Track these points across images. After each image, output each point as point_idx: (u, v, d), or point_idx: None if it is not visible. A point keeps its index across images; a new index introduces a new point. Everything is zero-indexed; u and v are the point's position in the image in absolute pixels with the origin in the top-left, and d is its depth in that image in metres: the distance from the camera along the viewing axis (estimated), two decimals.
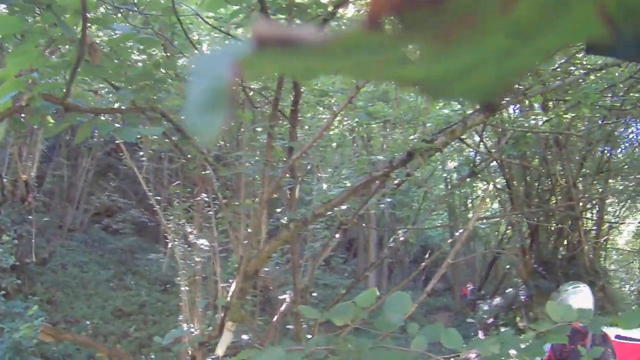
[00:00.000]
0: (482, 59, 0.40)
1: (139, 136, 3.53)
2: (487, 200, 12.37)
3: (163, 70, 4.36)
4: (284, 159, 5.04)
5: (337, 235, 6.51)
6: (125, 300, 13.68)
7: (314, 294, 11.18)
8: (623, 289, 18.76)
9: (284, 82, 4.63)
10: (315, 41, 0.37)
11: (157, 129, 4.04)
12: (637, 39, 0.46)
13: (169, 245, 7.86)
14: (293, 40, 0.37)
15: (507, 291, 18.27)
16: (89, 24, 3.12)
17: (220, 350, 4.54)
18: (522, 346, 2.75)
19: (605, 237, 15.81)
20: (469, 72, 0.41)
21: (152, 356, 10.60)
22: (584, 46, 0.65)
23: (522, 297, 14.41)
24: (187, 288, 7.29)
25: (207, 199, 6.93)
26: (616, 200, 17.16)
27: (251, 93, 6.72)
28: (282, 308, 6.20)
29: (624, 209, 17.32)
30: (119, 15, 4.73)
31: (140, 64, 4.71)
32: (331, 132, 10.29)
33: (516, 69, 0.43)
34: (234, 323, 4.56)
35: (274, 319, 6.07)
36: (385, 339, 2.76)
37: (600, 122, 11.03)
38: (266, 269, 8.01)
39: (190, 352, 5.96)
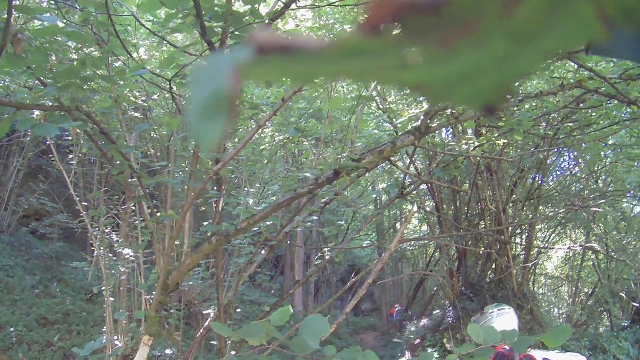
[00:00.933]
0: (483, 63, 0.41)
1: (59, 132, 3.39)
2: (411, 220, 12.45)
3: (93, 70, 4.25)
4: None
5: (263, 252, 6.46)
6: (50, 308, 13.34)
7: (238, 310, 11.13)
8: (552, 312, 19.01)
9: None
10: (315, 47, 0.37)
11: (77, 123, 3.91)
12: (637, 39, 0.50)
13: (95, 253, 7.70)
14: (293, 47, 0.37)
15: (434, 313, 18.44)
16: (15, 12, 3.02)
17: None
18: None
19: (534, 262, 16.02)
20: (469, 76, 0.41)
21: None
22: (584, 47, 0.66)
23: (450, 319, 14.51)
24: (111, 299, 7.15)
25: (134, 208, 6.82)
26: (546, 227, 17.42)
27: (183, 102, 6.64)
28: (207, 324, 6.09)
29: (553, 235, 17.55)
30: (58, 11, 4.64)
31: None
32: (262, 148, 10.32)
33: (516, 72, 0.42)
34: (151, 337, 4.45)
35: (198, 335, 5.95)
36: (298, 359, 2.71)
37: (532, 150, 11.17)
38: (191, 283, 7.90)
39: None
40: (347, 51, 0.38)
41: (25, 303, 13.30)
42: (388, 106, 7.54)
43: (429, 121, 5.22)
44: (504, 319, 5.15)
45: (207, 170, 4.29)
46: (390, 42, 0.37)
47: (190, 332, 10.75)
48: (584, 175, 15.29)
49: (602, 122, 8.64)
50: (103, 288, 7.18)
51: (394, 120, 7.01)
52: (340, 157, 5.07)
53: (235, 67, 0.38)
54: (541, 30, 0.38)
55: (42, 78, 4.10)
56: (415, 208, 7.06)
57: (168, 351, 9.77)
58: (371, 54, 0.38)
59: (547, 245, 15.98)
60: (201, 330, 5.95)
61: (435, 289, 20.62)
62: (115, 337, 6.91)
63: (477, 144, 7.26)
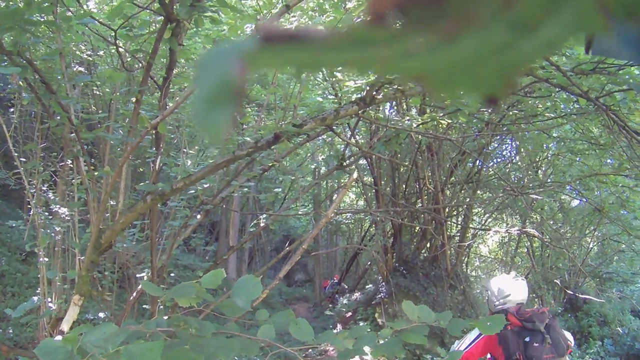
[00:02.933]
0: (484, 52, 0.40)
1: None
2: (350, 187, 12.48)
3: (39, 15, 4.15)
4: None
5: (199, 216, 6.39)
6: None
7: (172, 274, 11.06)
8: (484, 295, 19.31)
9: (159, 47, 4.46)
10: (321, 36, 0.38)
11: (17, 68, 3.81)
12: (637, 39, 0.49)
13: (31, 211, 7.54)
14: (298, 36, 0.38)
15: (367, 287, 18.57)
16: None
17: (65, 326, 4.34)
18: (380, 342, 2.69)
19: (469, 242, 16.20)
20: (471, 65, 0.41)
21: (10, 330, 10.21)
22: (585, 45, 0.68)
23: (382, 294, 14.62)
24: (45, 259, 7.02)
25: (72, 166, 6.68)
26: (482, 211, 17.62)
27: (128, 58, 6.54)
28: (139, 287, 6.00)
29: (489, 220, 17.76)
30: None
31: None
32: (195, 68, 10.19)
33: (518, 62, 0.42)
34: (81, 297, 4.36)
35: (131, 298, 5.87)
36: (230, 324, 2.66)
37: (475, 134, 11.23)
38: (125, 245, 7.80)
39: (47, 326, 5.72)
40: (351, 40, 0.38)
41: None
42: (334, 78, 7.49)
43: (374, 92, 5.19)
44: (518, 285, 5.32)
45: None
46: (393, 31, 0.38)
47: (124, 295, 10.64)
48: (524, 165, 15.46)
49: (547, 114, 8.71)
50: (36, 247, 7.04)
51: (339, 91, 6.97)
52: (281, 122, 5.02)
53: (242, 56, 0.38)
54: (542, 21, 0.39)
55: None
56: (355, 175, 7.05)
57: (101, 314, 9.68)
58: (375, 43, 0.39)
59: (483, 228, 16.14)
60: (134, 294, 5.87)
61: (369, 263, 20.75)
62: (49, 299, 6.80)
63: (420, 121, 7.27)
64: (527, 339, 4.80)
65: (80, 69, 7.61)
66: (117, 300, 9.23)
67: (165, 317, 2.57)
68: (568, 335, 5.18)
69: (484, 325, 2.70)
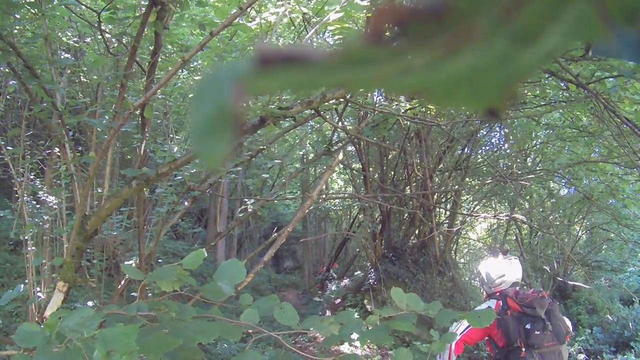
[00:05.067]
0: (484, 66, 0.40)
1: None
2: (336, 168, 12.52)
3: None
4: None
5: (186, 203, 6.36)
6: None
7: (160, 261, 11.03)
8: (473, 281, 19.34)
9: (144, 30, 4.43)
10: (319, 57, 0.37)
11: None
12: (637, 39, 0.49)
13: (19, 201, 7.50)
14: (296, 57, 0.37)
15: (356, 273, 18.64)
16: None
17: (49, 312, 4.31)
18: (367, 329, 2.67)
19: (458, 228, 16.27)
20: (471, 78, 0.41)
21: (0, 321, 10.17)
22: (586, 46, 0.63)
23: (371, 281, 14.63)
24: (33, 248, 6.98)
25: (59, 154, 6.64)
26: (471, 198, 17.68)
27: (115, 44, 6.49)
28: (127, 275, 5.98)
29: (478, 207, 17.82)
30: None
31: None
32: (191, 95, 10.20)
33: (518, 73, 0.41)
34: (65, 283, 4.33)
35: (119, 286, 5.85)
36: (213, 308, 2.64)
37: (464, 120, 11.23)
38: (115, 234, 7.77)
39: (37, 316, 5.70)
40: (351, 60, 0.38)
41: None
42: None
43: None
44: (512, 265, 5.37)
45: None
46: (393, 49, 0.38)
47: (113, 283, 10.63)
48: (513, 152, 15.50)
49: (535, 102, 8.71)
50: (23, 235, 6.99)
51: None
52: (268, 105, 4.99)
53: (238, 80, 0.38)
54: (542, 31, 0.38)
55: None
56: (341, 156, 7.05)
57: (90, 303, 9.66)
58: (374, 61, 0.38)
59: (471, 215, 16.19)
60: (122, 282, 5.84)
61: (358, 250, 20.82)
62: (37, 288, 6.76)
63: (409, 106, 7.25)
64: (527, 326, 4.81)
65: (67, 55, 7.56)
66: (106, 289, 9.20)
67: (141, 301, 2.54)
68: (567, 322, 5.19)
69: (474, 318, 2.69)
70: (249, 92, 0.38)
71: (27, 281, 6.88)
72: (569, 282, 14.19)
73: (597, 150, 12.51)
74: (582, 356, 13.91)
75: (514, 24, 0.37)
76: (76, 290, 8.65)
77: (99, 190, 6.47)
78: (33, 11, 4.90)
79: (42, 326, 2.15)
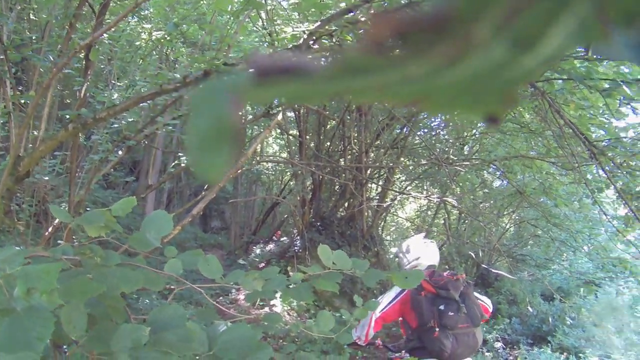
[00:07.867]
0: (484, 72, 0.40)
1: None
2: (272, 130, 12.53)
3: None
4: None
5: (120, 152, 6.30)
6: None
7: (88, 209, 10.92)
8: (396, 259, 19.53)
9: None
10: (317, 67, 0.37)
11: None
12: (637, 40, 0.44)
13: None
14: (293, 68, 0.37)
15: (282, 239, 18.65)
16: None
17: None
18: (290, 286, 2.69)
19: (388, 204, 16.39)
20: (471, 86, 0.41)
21: None
22: (585, 47, 0.66)
23: (296, 248, 14.72)
24: None
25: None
26: (404, 178, 17.80)
27: None
28: (56, 221, 5.90)
29: (410, 188, 17.94)
30: None
31: None
32: (137, 44, 10.10)
33: (518, 79, 0.41)
34: None
35: (47, 233, 5.78)
36: (138, 257, 2.63)
37: None
38: (46, 178, 7.68)
39: None
40: (349, 70, 0.38)
41: None
42: (273, 27, 7.43)
43: (311, 42, 5.14)
44: (429, 248, 5.43)
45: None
46: (392, 58, 0.37)
47: (40, 230, 10.50)
48: (450, 139, 15.68)
49: None
50: None
51: (275, 38, 6.94)
52: (213, 60, 4.95)
53: (235, 92, 0.37)
54: (542, 36, 0.38)
55: None
56: (280, 117, 7.03)
57: (16, 248, 9.50)
58: (373, 71, 0.38)
59: (402, 191, 16.32)
60: (49, 229, 5.78)
61: (286, 216, 20.84)
62: None
63: None
64: (441, 307, 4.80)
65: None
66: (33, 235, 9.08)
67: (66, 245, 2.53)
68: (486, 300, 5.27)
69: (401, 279, 2.70)
70: (246, 102, 0.38)
71: None
72: (493, 271, 14.41)
73: (535, 148, 12.65)
74: (499, 344, 14.12)
75: (514, 29, 0.37)
76: (3, 235, 8.54)
77: (35, 133, 6.38)
78: None
79: None
